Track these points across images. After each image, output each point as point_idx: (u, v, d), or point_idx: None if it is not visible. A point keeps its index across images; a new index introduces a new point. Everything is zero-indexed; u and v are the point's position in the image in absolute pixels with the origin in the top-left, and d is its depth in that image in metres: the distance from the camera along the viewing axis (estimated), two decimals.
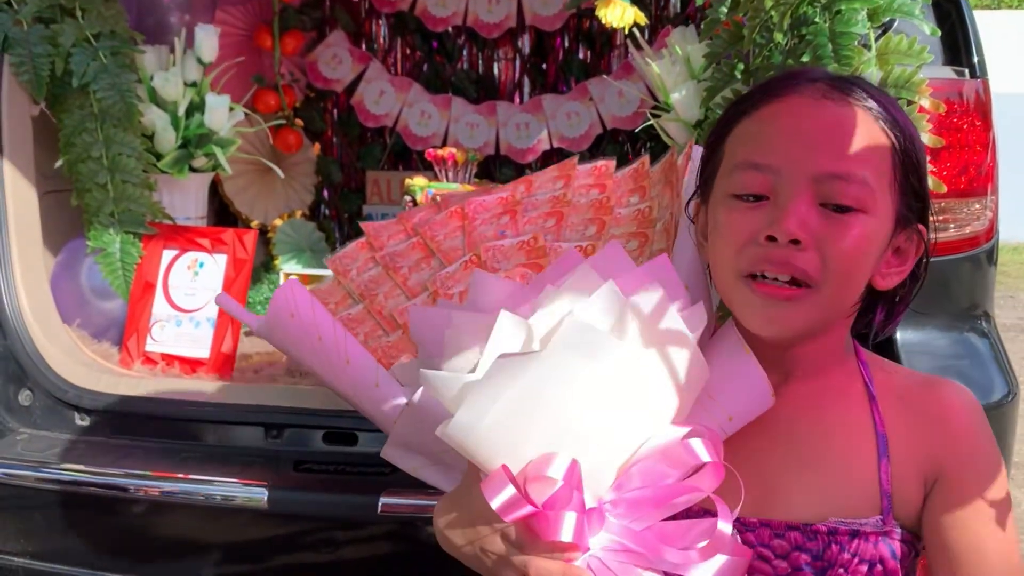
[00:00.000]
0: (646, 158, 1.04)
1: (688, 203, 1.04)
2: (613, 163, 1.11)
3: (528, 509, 0.75)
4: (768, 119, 0.87)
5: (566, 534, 0.74)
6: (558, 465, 0.75)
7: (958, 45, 1.61)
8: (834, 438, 0.93)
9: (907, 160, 0.89)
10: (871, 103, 0.87)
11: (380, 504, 1.57)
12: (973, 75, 1.60)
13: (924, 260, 0.94)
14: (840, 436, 0.93)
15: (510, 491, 0.74)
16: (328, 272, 2.33)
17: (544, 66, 3.22)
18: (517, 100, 3.22)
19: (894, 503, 0.89)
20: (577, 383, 0.75)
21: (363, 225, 1.33)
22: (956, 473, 0.90)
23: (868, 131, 0.86)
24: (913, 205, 0.90)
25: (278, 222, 3.05)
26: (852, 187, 0.84)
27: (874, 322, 0.97)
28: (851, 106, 0.86)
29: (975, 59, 1.61)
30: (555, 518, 0.74)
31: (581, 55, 3.18)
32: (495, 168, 3.15)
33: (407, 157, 3.24)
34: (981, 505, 0.87)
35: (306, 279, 2.29)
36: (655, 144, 3.14)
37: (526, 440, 0.75)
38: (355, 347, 0.96)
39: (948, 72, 1.61)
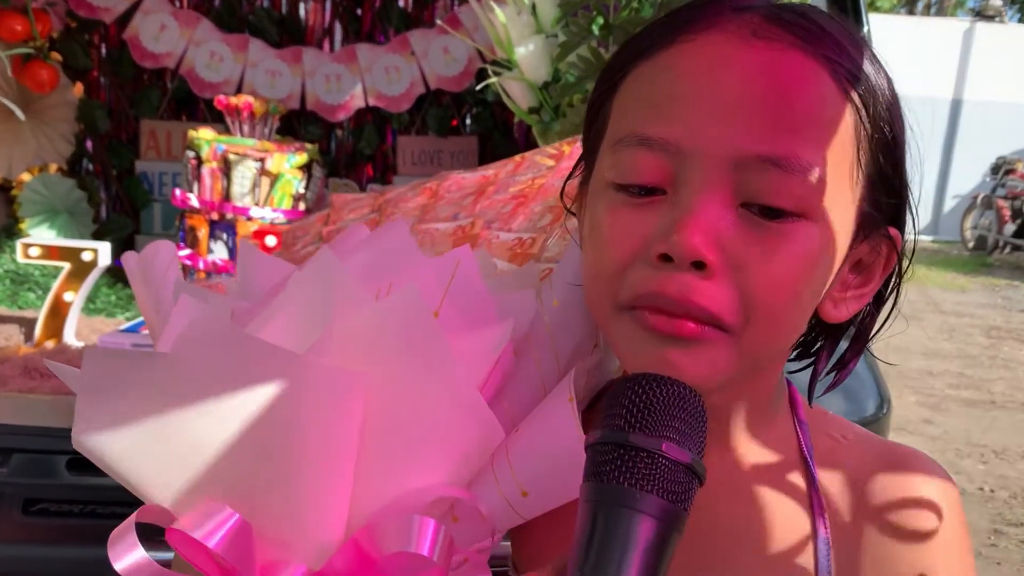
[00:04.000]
0: None
1: (564, 185, 0.73)
2: None
3: None
4: (669, 67, 0.57)
5: None
6: (217, 521, 0.54)
7: (846, 10, 1.42)
8: (753, 538, 0.64)
9: (879, 135, 0.59)
10: (829, 45, 0.57)
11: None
12: None
13: (896, 276, 0.65)
14: (763, 537, 0.64)
15: (137, 554, 0.53)
16: (83, 243, 1.90)
17: (359, 11, 2.85)
18: (327, 48, 2.83)
19: None
20: (226, 403, 0.54)
21: (332, 197, 1.15)
22: None
23: (822, 90, 0.56)
24: (883, 201, 0.61)
25: (26, 177, 2.56)
26: (793, 180, 0.54)
27: (817, 369, 0.68)
28: (797, 50, 0.56)
29: (865, 29, 1.43)
30: None
31: (401, 2, 2.83)
32: (300, 125, 2.76)
33: (192, 105, 2.79)
34: None
35: (55, 252, 1.81)
36: (483, 109, 2.88)
37: (181, 478, 0.55)
38: None
39: None
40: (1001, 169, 9.55)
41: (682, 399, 0.48)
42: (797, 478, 0.65)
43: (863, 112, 0.57)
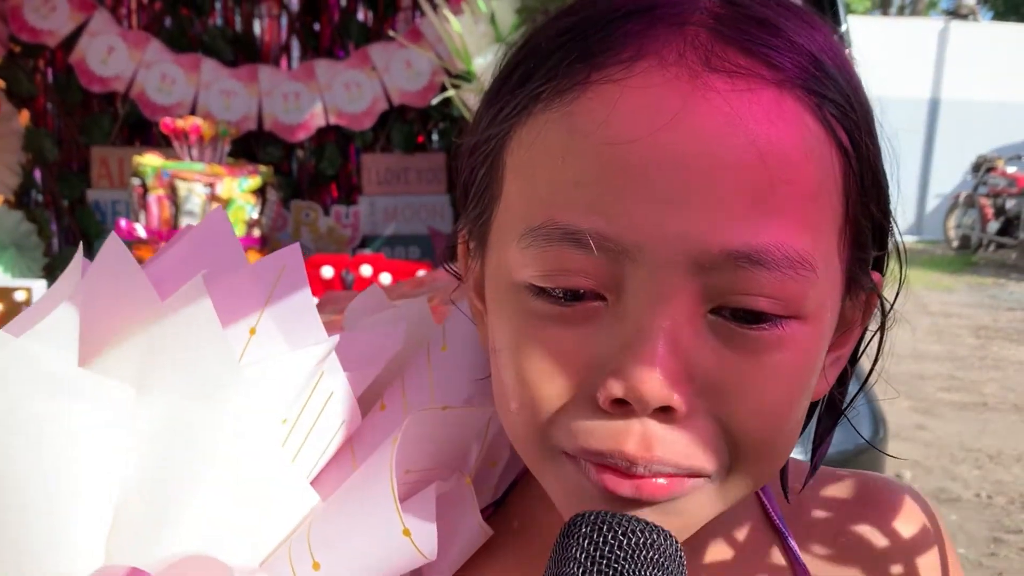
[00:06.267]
0: None
1: (448, 245, 0.57)
2: None
3: None
4: (592, 127, 0.40)
5: None
6: None
7: (823, 6, 1.32)
8: None
9: (871, 180, 0.44)
10: (806, 65, 0.41)
11: None
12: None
13: (881, 323, 0.51)
14: None
15: None
16: (15, 282, 1.78)
17: (317, 26, 2.75)
18: (284, 65, 2.73)
19: None
20: None
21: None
22: None
23: (807, 140, 0.40)
24: (869, 256, 0.47)
25: None
26: (776, 276, 0.40)
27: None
28: (769, 84, 0.40)
29: (843, 28, 1.33)
30: None
31: (361, 16, 2.73)
32: (258, 146, 2.65)
33: (145, 130, 2.70)
34: None
35: None
36: (450, 124, 2.77)
37: None
38: None
39: None
40: (982, 167, 9.55)
41: (656, 548, 0.36)
42: (775, 557, 0.54)
43: (852, 154, 0.42)
